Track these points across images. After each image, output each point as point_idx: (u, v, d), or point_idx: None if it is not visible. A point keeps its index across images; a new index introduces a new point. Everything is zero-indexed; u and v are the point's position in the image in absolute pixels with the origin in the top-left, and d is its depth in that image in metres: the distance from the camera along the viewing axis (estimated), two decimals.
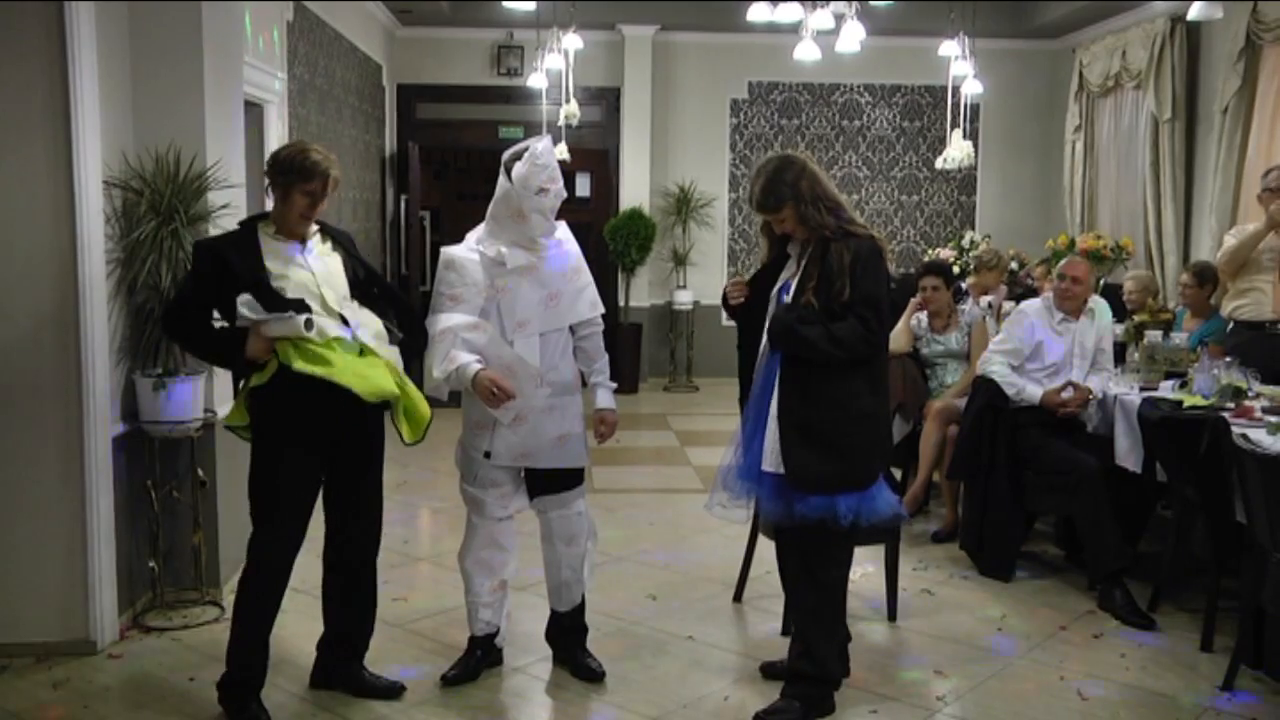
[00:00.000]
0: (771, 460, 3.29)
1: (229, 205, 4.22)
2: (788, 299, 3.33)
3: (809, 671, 3.40)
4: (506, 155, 3.54)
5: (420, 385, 3.44)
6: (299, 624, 3.88)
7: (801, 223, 3.30)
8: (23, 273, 3.72)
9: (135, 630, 4.02)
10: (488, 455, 3.55)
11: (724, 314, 3.59)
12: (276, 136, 6.02)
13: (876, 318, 3.24)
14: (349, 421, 3.31)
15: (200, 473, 4.19)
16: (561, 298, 3.58)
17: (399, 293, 3.59)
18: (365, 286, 3.43)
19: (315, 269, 3.33)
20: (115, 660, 3.80)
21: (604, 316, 3.75)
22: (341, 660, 3.56)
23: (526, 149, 3.50)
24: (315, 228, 3.41)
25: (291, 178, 3.27)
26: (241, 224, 3.46)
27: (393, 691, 3.53)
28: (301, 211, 3.31)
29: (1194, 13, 5.89)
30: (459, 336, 3.43)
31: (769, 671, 3.72)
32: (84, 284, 3.74)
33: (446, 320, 3.45)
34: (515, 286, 3.52)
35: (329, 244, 3.44)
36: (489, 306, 3.52)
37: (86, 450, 3.78)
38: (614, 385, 3.75)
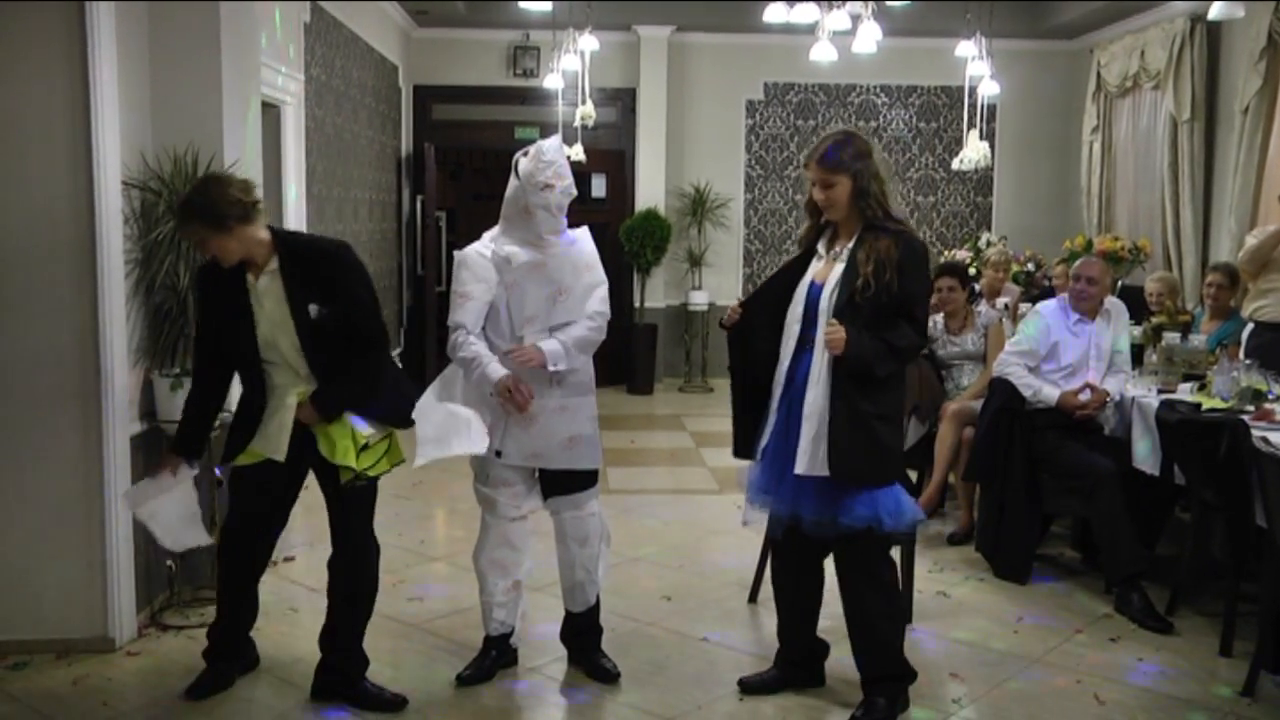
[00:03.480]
0: (806, 463, 3.24)
1: None
2: (826, 295, 3.27)
3: (889, 672, 3.42)
4: (517, 155, 3.55)
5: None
6: (315, 623, 3.89)
7: (855, 199, 3.25)
8: (42, 272, 3.74)
9: (153, 628, 4.05)
10: (499, 454, 3.56)
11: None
12: (294, 137, 6.05)
13: (925, 318, 3.32)
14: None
15: (217, 472, 4.21)
16: (571, 294, 3.57)
17: (365, 326, 3.36)
18: (325, 325, 3.29)
19: (270, 312, 3.30)
20: (133, 658, 3.83)
21: (618, 322, 3.72)
22: (339, 680, 3.53)
23: (536, 147, 3.51)
24: (274, 262, 3.28)
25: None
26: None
27: (395, 705, 3.47)
28: (208, 254, 3.25)
29: (1215, 12, 5.85)
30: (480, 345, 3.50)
31: (746, 687, 3.62)
32: (103, 284, 3.76)
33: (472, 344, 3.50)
34: (523, 282, 3.53)
35: (279, 281, 3.28)
36: (499, 303, 3.54)
37: (105, 449, 3.80)
38: (565, 340, 3.50)
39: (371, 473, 3.38)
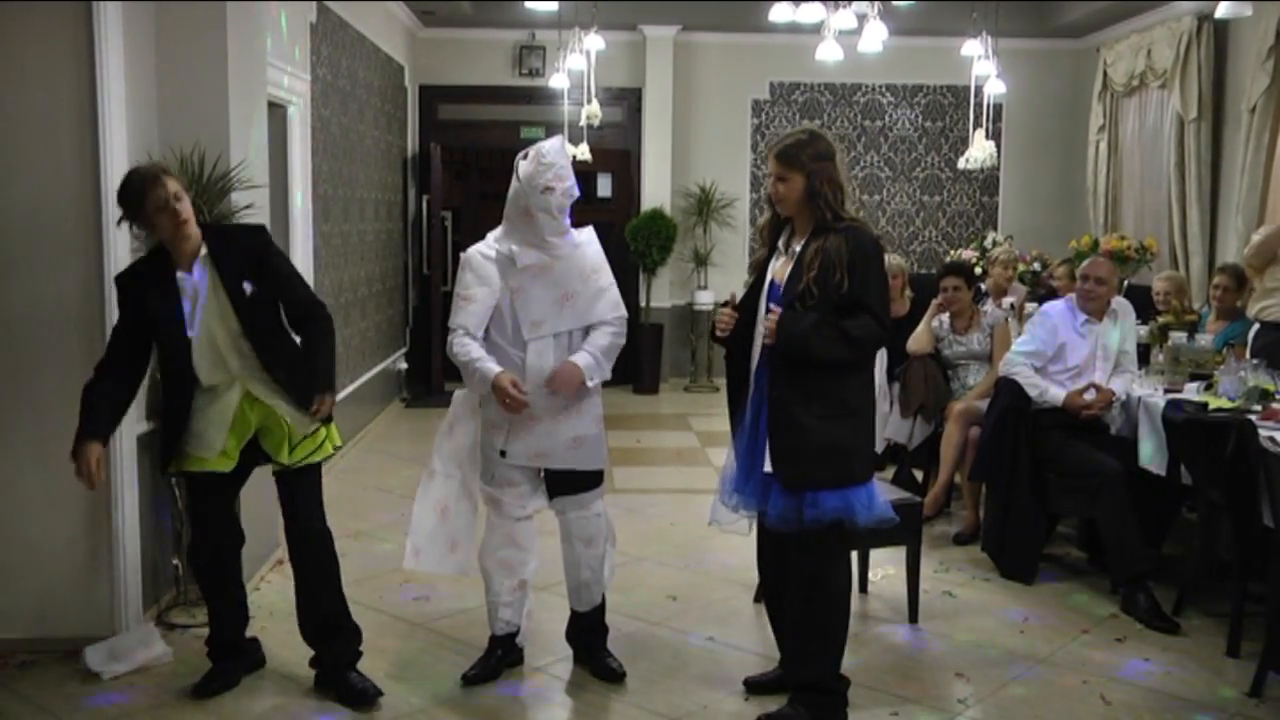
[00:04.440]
0: (771, 461, 3.25)
1: (252, 206, 4.25)
2: (779, 295, 3.27)
3: (816, 681, 3.34)
4: (518, 156, 3.54)
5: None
6: None
7: (809, 199, 3.24)
8: (49, 272, 3.75)
9: (159, 627, 4.05)
10: (503, 454, 3.56)
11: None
12: (300, 137, 6.06)
13: (883, 312, 3.25)
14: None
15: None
16: (578, 298, 3.56)
17: (300, 293, 3.55)
18: (260, 301, 3.42)
19: (205, 302, 3.36)
20: None
21: (626, 320, 3.70)
22: (328, 670, 3.58)
23: (536, 148, 3.50)
24: (203, 248, 3.37)
25: (137, 204, 3.28)
26: (152, 253, 3.45)
27: (368, 696, 3.47)
28: (169, 231, 3.30)
29: (1222, 11, 5.82)
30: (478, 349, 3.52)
31: (751, 686, 3.61)
32: (109, 283, 3.76)
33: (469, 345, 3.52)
34: (528, 286, 3.52)
35: (211, 267, 3.38)
36: (503, 305, 3.53)
37: (111, 448, 3.80)
38: (594, 352, 3.54)
39: (314, 459, 3.53)
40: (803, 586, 3.33)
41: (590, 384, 3.52)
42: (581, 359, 3.53)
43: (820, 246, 3.21)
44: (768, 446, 3.25)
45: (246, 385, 3.43)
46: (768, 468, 3.26)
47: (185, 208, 3.31)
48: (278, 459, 3.50)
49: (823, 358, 3.17)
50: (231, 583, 3.66)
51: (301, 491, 3.55)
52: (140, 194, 3.26)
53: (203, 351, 3.39)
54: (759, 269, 3.44)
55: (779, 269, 3.35)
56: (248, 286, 3.39)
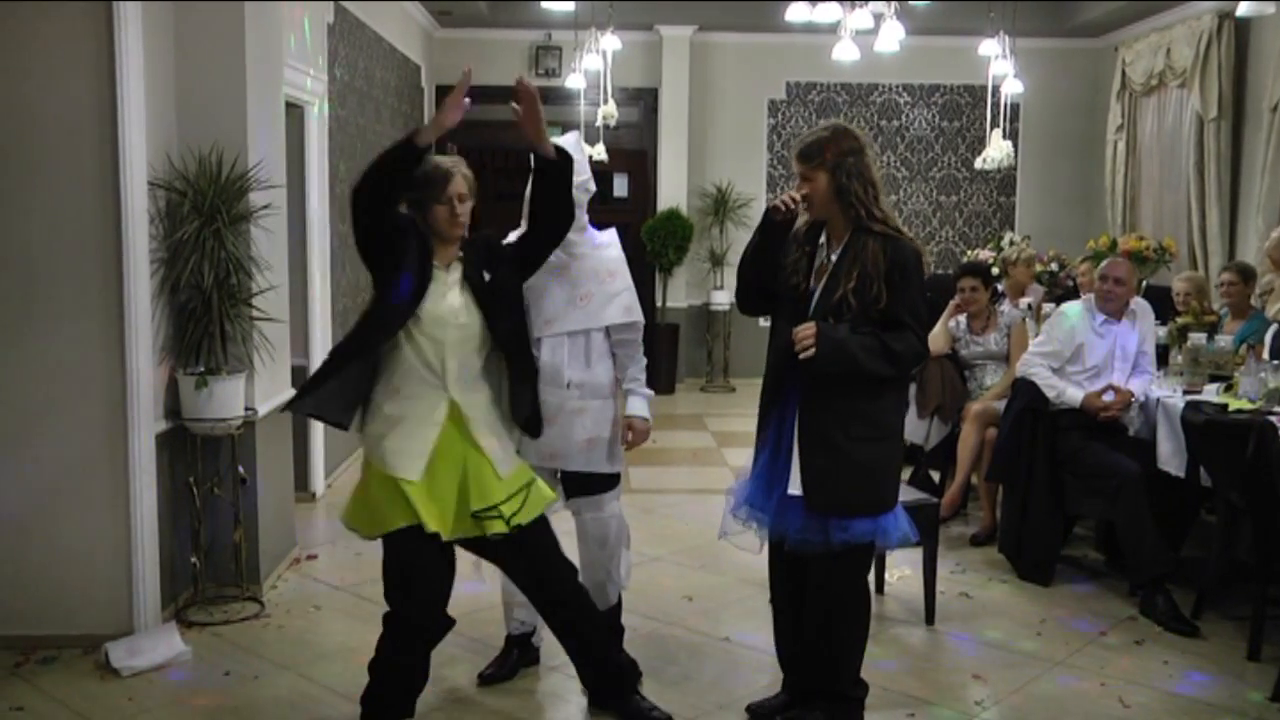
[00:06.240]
0: (799, 484, 3.12)
1: (270, 205, 4.27)
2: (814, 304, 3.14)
3: (838, 690, 3.31)
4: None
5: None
6: (336, 620, 3.92)
7: (838, 196, 3.12)
8: (69, 272, 3.78)
9: (177, 624, 4.07)
10: (517, 454, 3.56)
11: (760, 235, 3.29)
12: (317, 137, 6.08)
13: (925, 330, 3.15)
14: None
15: (241, 470, 4.24)
16: (593, 299, 3.55)
17: (525, 340, 3.31)
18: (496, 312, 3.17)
19: (447, 295, 3.11)
20: None
21: (643, 325, 3.66)
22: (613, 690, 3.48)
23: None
24: (460, 254, 3.17)
25: (443, 182, 3.11)
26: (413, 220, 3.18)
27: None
28: (446, 219, 3.10)
29: (1244, 9, 5.79)
30: None
31: (757, 713, 3.49)
32: (128, 283, 3.79)
33: None
34: (545, 283, 3.52)
35: (460, 275, 3.15)
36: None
37: (130, 447, 3.84)
38: (649, 393, 3.67)
39: (517, 520, 3.11)
40: (824, 600, 3.26)
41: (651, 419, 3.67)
42: (635, 407, 3.62)
43: (856, 255, 3.08)
44: (798, 468, 3.11)
45: (458, 399, 3.10)
46: (794, 490, 3.12)
47: (467, 211, 3.14)
48: (492, 525, 3.07)
49: (866, 368, 3.02)
50: (418, 677, 3.25)
51: (540, 554, 3.23)
52: (449, 176, 3.10)
53: (424, 332, 3.09)
54: (802, 272, 3.24)
55: (816, 277, 3.20)
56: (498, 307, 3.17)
